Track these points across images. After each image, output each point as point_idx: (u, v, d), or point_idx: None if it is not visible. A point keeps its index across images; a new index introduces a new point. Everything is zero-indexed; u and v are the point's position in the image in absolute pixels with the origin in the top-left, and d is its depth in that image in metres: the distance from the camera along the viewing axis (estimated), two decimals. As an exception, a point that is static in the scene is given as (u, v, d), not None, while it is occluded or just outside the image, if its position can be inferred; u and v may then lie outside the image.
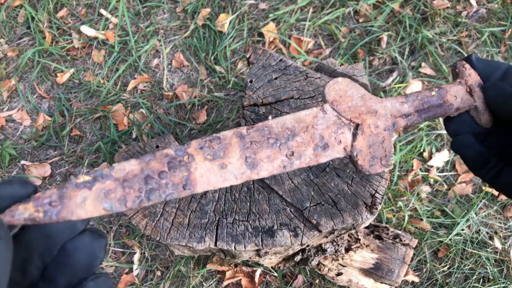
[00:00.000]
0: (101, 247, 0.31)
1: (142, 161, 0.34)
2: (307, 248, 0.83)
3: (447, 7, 1.46)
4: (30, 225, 0.29)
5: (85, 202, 0.31)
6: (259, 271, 1.15)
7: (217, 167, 0.37)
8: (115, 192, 0.32)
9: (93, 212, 0.31)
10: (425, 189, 1.24)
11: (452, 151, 1.27)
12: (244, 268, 1.16)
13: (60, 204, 0.30)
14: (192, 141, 0.37)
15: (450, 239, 1.17)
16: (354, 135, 0.43)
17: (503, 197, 1.22)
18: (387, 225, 1.06)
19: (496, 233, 1.19)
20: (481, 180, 0.50)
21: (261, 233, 0.64)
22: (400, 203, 1.20)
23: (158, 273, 1.19)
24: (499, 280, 1.14)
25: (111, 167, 0.33)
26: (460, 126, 0.46)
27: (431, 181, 1.26)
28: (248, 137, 0.39)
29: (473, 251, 1.17)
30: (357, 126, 0.43)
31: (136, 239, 1.22)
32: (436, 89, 0.46)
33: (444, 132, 1.28)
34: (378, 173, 0.44)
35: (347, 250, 0.98)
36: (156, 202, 0.34)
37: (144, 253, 1.21)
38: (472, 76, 0.46)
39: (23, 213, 0.28)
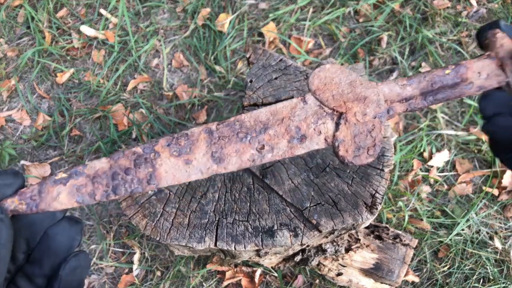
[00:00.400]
0: (78, 231, 0.36)
1: (111, 159, 0.38)
2: (307, 248, 0.83)
3: (447, 7, 1.46)
4: (16, 215, 0.34)
5: (60, 196, 0.36)
6: (259, 271, 1.15)
7: (182, 163, 0.39)
8: (86, 187, 0.36)
9: (67, 204, 0.36)
10: (425, 189, 1.24)
11: (450, 151, 1.27)
12: (244, 268, 1.16)
13: (39, 198, 0.35)
14: (161, 138, 0.39)
15: (450, 239, 1.17)
16: (337, 125, 0.40)
17: (503, 197, 1.22)
18: (387, 225, 1.06)
19: (496, 233, 1.19)
20: (502, 163, 0.45)
21: (261, 233, 0.64)
22: (400, 203, 1.19)
23: (158, 273, 1.19)
24: (499, 280, 1.14)
25: (84, 165, 0.37)
26: (499, 105, 0.40)
27: (431, 181, 1.26)
28: (216, 132, 0.40)
29: (473, 251, 1.17)
30: (340, 115, 0.40)
31: (136, 239, 1.22)
32: (453, 66, 0.40)
33: (444, 132, 1.28)
34: (363, 164, 0.41)
35: (347, 250, 0.98)
36: (123, 195, 0.37)
37: (144, 253, 1.21)
38: (506, 46, 0.39)
39: (10, 205, 0.34)
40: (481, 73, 0.40)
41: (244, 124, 0.40)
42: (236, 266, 1.16)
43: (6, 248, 0.30)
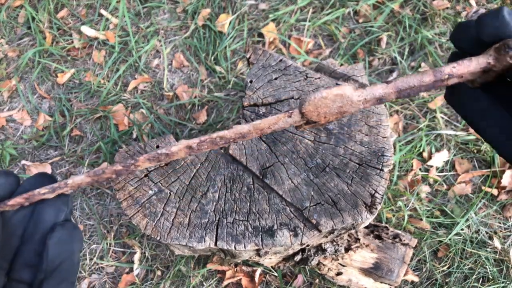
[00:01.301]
0: (65, 202, 0.37)
1: (93, 175, 0.41)
2: (307, 248, 0.83)
3: (447, 8, 1.46)
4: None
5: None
6: (259, 270, 1.15)
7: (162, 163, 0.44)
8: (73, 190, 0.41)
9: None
10: (424, 189, 1.24)
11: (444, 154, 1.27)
12: (244, 267, 1.16)
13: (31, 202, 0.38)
14: (140, 157, 0.42)
15: (449, 239, 1.18)
16: (308, 122, 0.43)
17: (502, 197, 1.23)
18: (387, 225, 1.06)
19: (495, 233, 1.20)
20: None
21: (261, 233, 0.65)
22: (399, 203, 1.20)
23: (159, 272, 1.19)
24: (498, 280, 1.14)
25: (66, 183, 0.40)
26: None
27: (431, 181, 1.26)
28: (197, 146, 0.42)
29: (473, 250, 1.17)
30: (315, 122, 0.43)
31: (137, 239, 1.22)
32: (447, 75, 0.37)
33: (443, 132, 1.28)
34: None
35: (347, 250, 0.98)
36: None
37: (144, 252, 1.21)
38: (507, 62, 0.34)
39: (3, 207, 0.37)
40: (463, 77, 0.37)
41: (225, 137, 0.43)
42: (236, 265, 1.16)
43: None
